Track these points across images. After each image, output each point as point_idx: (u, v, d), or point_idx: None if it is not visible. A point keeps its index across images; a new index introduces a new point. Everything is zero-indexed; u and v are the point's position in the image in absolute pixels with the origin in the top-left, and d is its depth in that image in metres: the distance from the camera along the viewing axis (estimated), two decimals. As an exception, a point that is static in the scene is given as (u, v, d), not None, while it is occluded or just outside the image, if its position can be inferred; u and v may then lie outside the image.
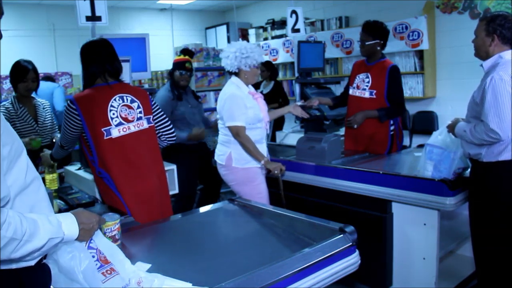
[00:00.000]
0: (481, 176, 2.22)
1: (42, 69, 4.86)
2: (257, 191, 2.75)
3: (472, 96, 2.22)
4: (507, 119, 2.03)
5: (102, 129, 2.09)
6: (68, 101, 2.13)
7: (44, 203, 1.18)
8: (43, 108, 3.12)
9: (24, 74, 2.93)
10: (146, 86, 4.87)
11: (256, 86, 5.62)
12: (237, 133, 2.70)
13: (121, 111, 2.15)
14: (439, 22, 4.90)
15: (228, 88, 2.79)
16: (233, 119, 2.70)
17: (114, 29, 6.72)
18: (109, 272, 1.20)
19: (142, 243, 1.82)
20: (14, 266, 1.05)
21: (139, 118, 2.21)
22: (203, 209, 2.15)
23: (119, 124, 2.14)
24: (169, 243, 1.80)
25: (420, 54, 4.96)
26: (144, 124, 2.23)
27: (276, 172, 2.69)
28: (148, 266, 1.44)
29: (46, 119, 3.12)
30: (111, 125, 2.11)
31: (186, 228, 1.95)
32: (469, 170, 2.41)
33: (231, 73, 2.82)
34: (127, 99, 2.18)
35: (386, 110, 3.01)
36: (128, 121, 2.17)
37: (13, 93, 3.04)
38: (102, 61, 2.14)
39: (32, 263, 1.08)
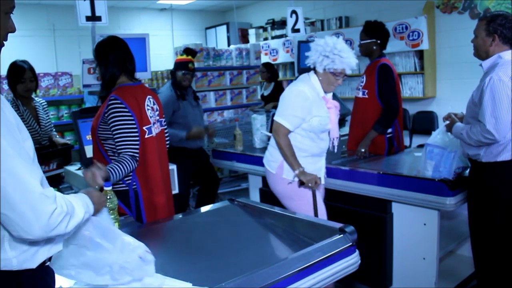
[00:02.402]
0: (480, 176, 2.22)
1: (42, 69, 4.86)
2: (309, 208, 2.37)
3: (471, 96, 2.22)
4: (504, 120, 2.02)
5: (144, 128, 2.11)
6: (112, 99, 2.03)
7: None
8: (43, 109, 3.11)
9: (21, 75, 2.88)
10: (146, 86, 4.86)
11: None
12: (277, 131, 2.34)
13: (150, 111, 2.18)
14: (439, 22, 4.89)
15: (300, 83, 2.37)
16: (281, 115, 2.34)
17: (114, 29, 6.70)
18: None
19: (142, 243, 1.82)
20: (15, 268, 1.04)
21: (158, 121, 2.24)
22: (203, 209, 2.15)
23: (153, 123, 2.18)
24: (169, 243, 1.80)
25: (420, 54, 4.96)
26: (159, 127, 2.26)
27: (310, 185, 2.32)
28: (148, 266, 1.44)
29: (47, 120, 3.11)
30: (150, 123, 2.14)
31: (186, 228, 1.95)
32: (468, 170, 2.41)
33: (311, 69, 2.41)
34: (151, 101, 2.20)
35: (378, 122, 2.97)
36: (154, 122, 2.20)
37: (11, 95, 2.97)
38: (124, 60, 2.13)
39: (34, 265, 1.08)
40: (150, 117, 2.15)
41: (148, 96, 2.19)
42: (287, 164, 2.37)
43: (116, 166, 1.96)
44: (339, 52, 2.24)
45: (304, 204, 2.36)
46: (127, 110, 2.03)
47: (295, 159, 2.34)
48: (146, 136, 2.11)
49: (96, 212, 1.25)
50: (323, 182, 2.53)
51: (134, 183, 2.11)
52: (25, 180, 0.94)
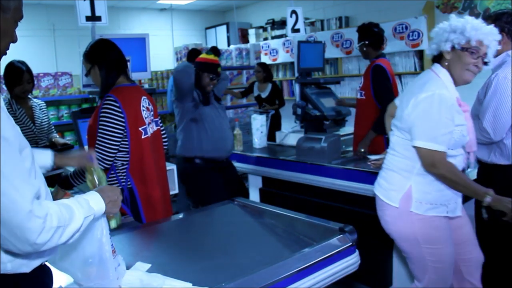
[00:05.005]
0: (488, 177, 2.20)
1: (42, 69, 4.87)
2: (437, 257, 1.79)
3: (477, 94, 2.20)
4: (503, 119, 2.00)
5: (140, 128, 2.12)
6: (109, 98, 2.03)
7: None
8: (40, 109, 3.13)
9: (19, 77, 2.90)
10: (146, 86, 4.87)
11: (249, 88, 5.55)
12: (433, 162, 1.68)
13: (145, 112, 2.19)
14: (439, 22, 4.80)
15: (433, 85, 1.70)
16: (433, 139, 1.67)
17: (114, 29, 6.71)
18: (114, 251, 1.27)
19: (142, 243, 1.82)
20: (9, 271, 1.04)
21: (153, 121, 2.26)
22: (203, 209, 2.16)
23: (148, 124, 2.19)
24: (169, 243, 1.80)
25: (420, 54, 4.96)
26: (155, 127, 2.27)
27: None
28: (148, 266, 1.44)
29: (43, 121, 3.12)
30: (145, 124, 2.16)
31: (186, 228, 1.95)
32: (469, 170, 2.40)
33: (435, 60, 1.83)
34: (146, 101, 2.22)
35: (375, 124, 2.94)
36: (149, 123, 2.21)
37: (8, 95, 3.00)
38: (122, 61, 2.15)
39: (28, 270, 1.07)
40: (145, 117, 2.16)
41: (143, 97, 2.20)
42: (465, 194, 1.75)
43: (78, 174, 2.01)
44: (466, 24, 1.74)
45: (433, 253, 1.76)
46: (120, 111, 2.04)
47: (475, 184, 1.71)
48: (142, 137, 2.13)
49: (109, 211, 1.20)
50: (459, 213, 1.86)
51: (129, 183, 2.13)
52: (15, 199, 0.93)
